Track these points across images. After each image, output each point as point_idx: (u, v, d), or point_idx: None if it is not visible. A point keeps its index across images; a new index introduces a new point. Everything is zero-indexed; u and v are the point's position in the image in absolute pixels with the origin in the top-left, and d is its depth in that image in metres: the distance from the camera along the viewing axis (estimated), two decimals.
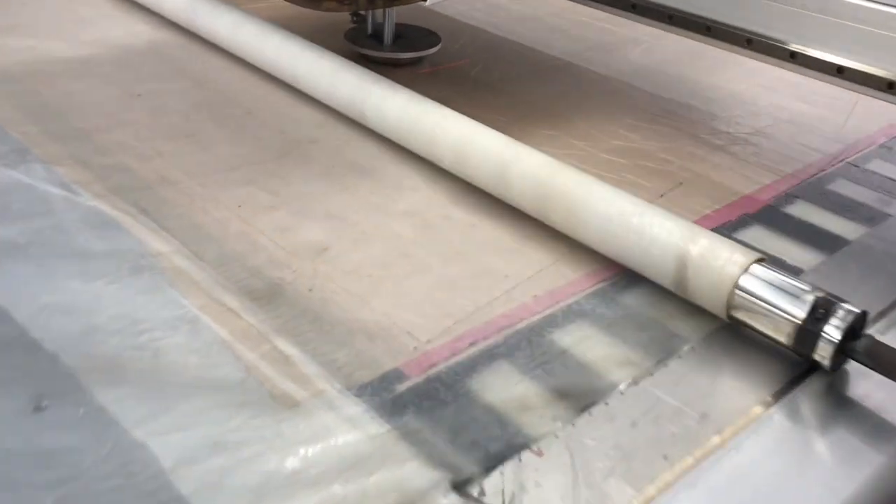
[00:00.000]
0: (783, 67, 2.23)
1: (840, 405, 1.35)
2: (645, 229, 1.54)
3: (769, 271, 1.43)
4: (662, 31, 2.49)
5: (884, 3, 2.03)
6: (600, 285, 1.59)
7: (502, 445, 1.20)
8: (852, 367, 1.39)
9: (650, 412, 1.29)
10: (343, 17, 2.63)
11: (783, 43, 2.21)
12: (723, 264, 1.44)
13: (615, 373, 1.37)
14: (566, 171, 1.72)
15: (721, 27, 2.33)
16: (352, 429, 1.21)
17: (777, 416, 1.31)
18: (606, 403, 1.30)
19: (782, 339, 1.38)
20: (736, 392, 1.35)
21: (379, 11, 2.53)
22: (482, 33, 2.93)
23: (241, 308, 1.45)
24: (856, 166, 2.15)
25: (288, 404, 1.25)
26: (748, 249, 1.47)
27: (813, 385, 1.37)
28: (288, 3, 2.21)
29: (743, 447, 1.24)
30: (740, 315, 1.43)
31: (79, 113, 2.09)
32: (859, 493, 1.19)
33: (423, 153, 1.95)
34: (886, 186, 2.06)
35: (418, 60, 2.59)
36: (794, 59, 2.20)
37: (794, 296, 1.38)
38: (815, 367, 1.39)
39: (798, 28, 2.18)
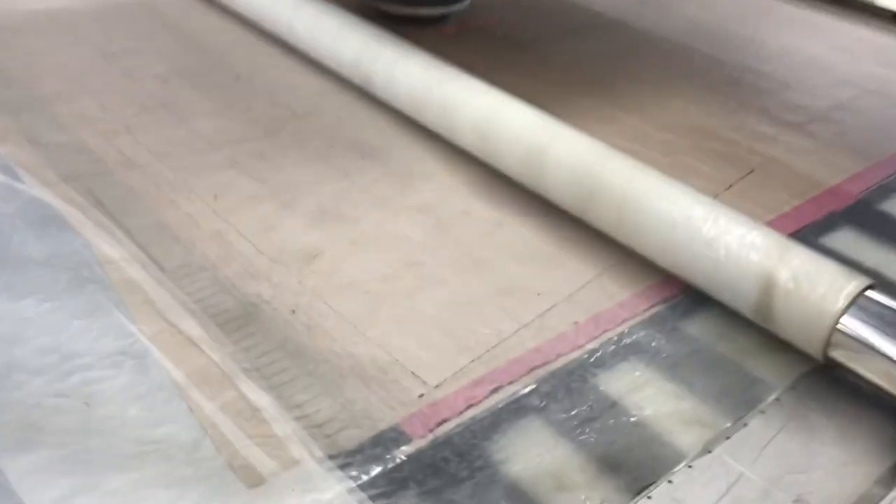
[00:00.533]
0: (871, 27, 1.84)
1: None
2: (720, 240, 1.20)
3: (881, 302, 1.10)
4: None
5: None
6: (657, 308, 1.27)
7: None
8: None
9: (728, 495, 0.98)
10: None
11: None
12: (823, 292, 1.11)
13: (680, 435, 1.05)
14: (616, 158, 1.38)
15: None
16: None
17: None
18: (670, 482, 0.99)
19: None
20: (839, 465, 1.03)
21: None
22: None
23: (204, 337, 1.15)
24: None
25: (251, 481, 0.95)
26: (854, 272, 1.14)
27: None
28: None
29: None
30: (841, 356, 1.11)
31: (37, 78, 1.78)
32: None
33: (440, 131, 1.61)
34: None
35: (443, 18, 2.23)
36: None
37: None
38: None
39: None
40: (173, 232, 1.35)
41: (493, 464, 0.99)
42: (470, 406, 1.08)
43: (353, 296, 1.25)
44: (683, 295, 1.29)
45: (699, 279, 1.25)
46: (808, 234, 1.45)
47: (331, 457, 0.99)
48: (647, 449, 1.03)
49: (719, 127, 1.80)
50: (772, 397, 1.12)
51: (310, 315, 1.21)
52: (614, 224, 1.34)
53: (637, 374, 1.15)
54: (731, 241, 1.20)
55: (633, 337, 1.21)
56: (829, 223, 1.50)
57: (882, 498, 0.99)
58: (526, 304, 1.26)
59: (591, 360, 1.16)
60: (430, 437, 1.03)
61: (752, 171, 1.64)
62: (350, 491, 0.95)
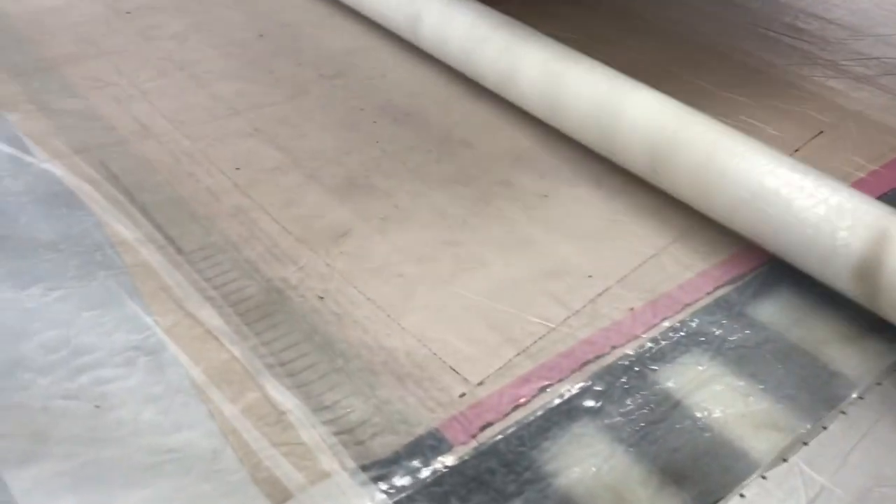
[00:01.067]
0: None
1: None
2: (815, 207, 1.07)
3: None
4: None
5: None
6: (722, 291, 1.15)
7: None
8: None
9: None
10: None
11: None
12: None
13: (752, 441, 0.94)
14: (697, 117, 1.25)
15: None
16: None
17: None
18: (742, 496, 0.88)
19: None
20: None
21: None
22: None
23: (225, 328, 1.05)
24: None
25: (276, 497, 0.86)
26: None
27: None
28: None
29: None
30: None
31: (49, 38, 1.67)
32: None
33: (494, 83, 1.48)
34: None
35: None
36: None
37: None
38: None
39: None
40: (191, 209, 1.25)
41: (543, 476, 0.89)
42: (516, 407, 0.97)
43: (385, 279, 1.15)
44: (751, 275, 1.17)
45: (790, 249, 1.12)
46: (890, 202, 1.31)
47: (363, 468, 0.89)
48: (716, 457, 0.92)
49: (782, 81, 1.64)
50: (854, 395, 1.00)
51: (339, 302, 1.10)
52: (693, 188, 1.21)
53: (701, 368, 1.03)
54: (827, 207, 1.06)
55: (696, 324, 1.09)
56: None
57: None
58: (576, 288, 1.14)
59: (650, 352, 1.05)
60: (473, 443, 0.93)
61: (821, 132, 1.49)
62: None
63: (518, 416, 0.96)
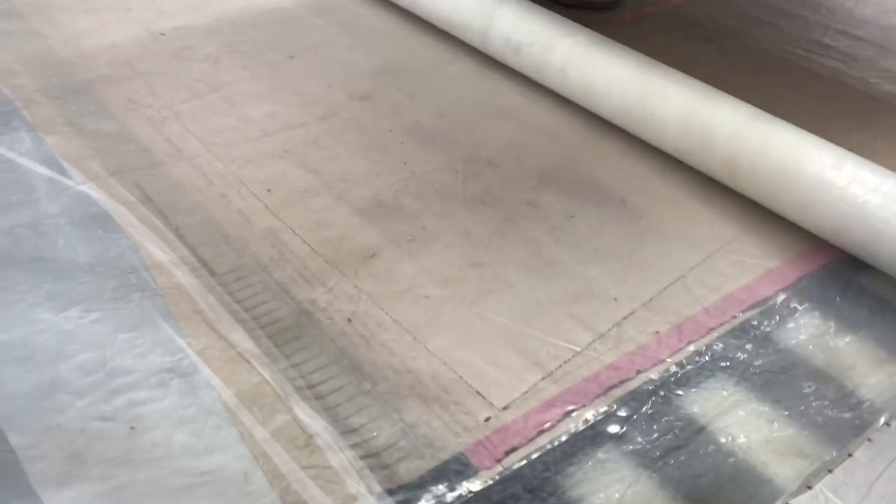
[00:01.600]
0: None
1: None
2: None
3: None
4: None
5: None
6: (747, 314, 1.15)
7: None
8: None
9: None
10: None
11: None
12: None
13: (776, 467, 0.95)
14: (774, 121, 1.31)
15: None
16: None
17: None
18: None
19: None
20: None
21: None
22: None
23: (255, 351, 1.07)
24: None
25: None
26: None
27: None
28: None
29: None
30: None
31: (85, 60, 1.71)
32: None
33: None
34: None
35: (617, 3, 2.05)
36: None
37: None
38: None
39: None
40: (224, 231, 1.27)
41: (567, 501, 0.90)
42: (541, 432, 0.98)
43: (412, 301, 1.17)
44: (777, 299, 1.17)
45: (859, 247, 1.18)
46: None
47: (390, 492, 0.91)
48: (740, 484, 0.93)
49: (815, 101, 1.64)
50: (881, 421, 1.00)
51: (367, 324, 1.12)
52: (756, 187, 1.28)
53: (726, 393, 1.04)
54: None
55: (721, 348, 1.10)
56: None
57: None
58: (601, 311, 1.15)
59: (675, 377, 1.06)
60: (498, 468, 0.94)
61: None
62: None
63: (543, 441, 0.97)
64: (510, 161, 1.44)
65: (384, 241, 1.27)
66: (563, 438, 0.97)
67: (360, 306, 1.15)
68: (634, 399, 1.02)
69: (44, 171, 1.38)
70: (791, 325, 1.13)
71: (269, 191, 1.36)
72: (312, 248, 1.25)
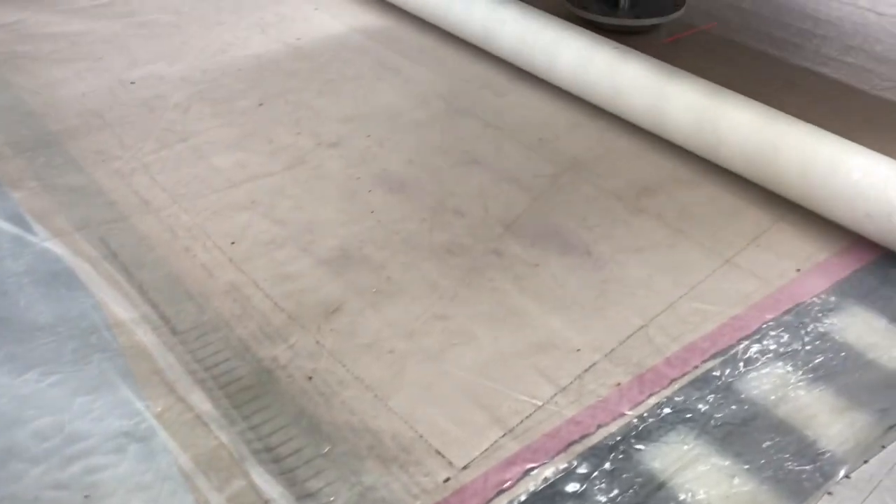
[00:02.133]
0: None
1: None
2: None
3: None
4: None
5: None
6: (709, 364, 1.15)
7: None
8: None
9: None
10: None
11: None
12: None
13: None
14: (796, 124, 1.41)
15: None
16: None
17: None
18: None
19: None
20: None
21: None
22: None
23: (214, 414, 1.07)
24: None
25: None
26: None
27: None
28: None
29: None
30: None
31: (56, 110, 1.71)
32: None
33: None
34: None
35: (655, 27, 2.07)
36: None
37: None
38: None
39: None
40: (187, 286, 1.27)
41: None
42: (500, 492, 0.98)
43: (375, 356, 1.16)
44: (738, 348, 1.17)
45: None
46: None
47: None
48: None
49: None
50: (840, 474, 1.00)
51: (328, 381, 1.12)
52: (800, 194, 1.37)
53: (686, 447, 1.03)
54: None
55: (682, 400, 1.10)
56: None
57: None
58: (563, 363, 1.15)
59: (635, 431, 1.05)
60: None
61: None
62: None
63: (502, 501, 0.97)
64: (477, 209, 1.45)
65: (348, 294, 1.27)
66: (523, 498, 0.97)
67: (321, 363, 1.15)
68: (594, 455, 1.02)
69: (8, 227, 1.38)
70: (753, 374, 1.13)
71: (233, 243, 1.36)
72: (275, 303, 1.25)
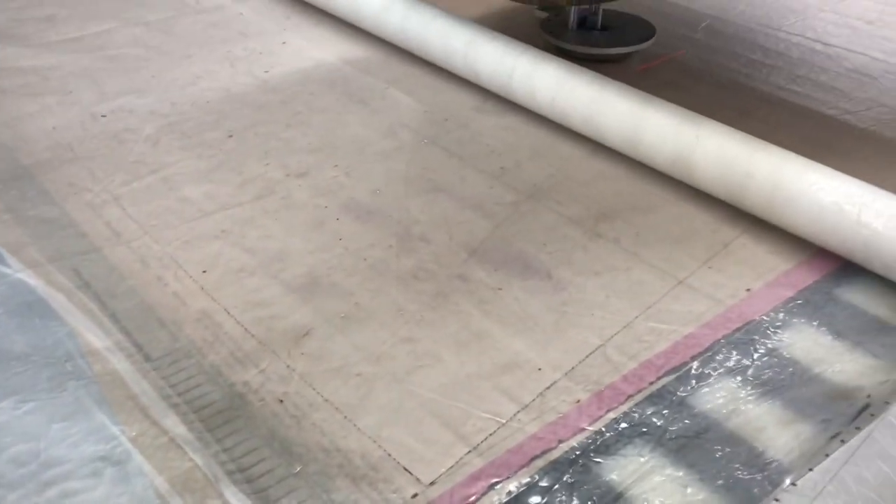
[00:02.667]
0: None
1: None
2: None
3: None
4: None
5: None
6: (664, 380, 1.21)
7: None
8: None
9: None
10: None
11: None
12: None
13: None
14: (767, 147, 1.50)
15: None
16: None
17: None
18: None
19: None
20: None
21: None
22: (718, 21, 2.41)
23: (188, 437, 1.10)
24: None
25: None
26: None
27: None
28: None
29: None
30: None
31: (27, 143, 1.74)
32: None
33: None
34: None
35: (628, 56, 2.15)
36: None
37: None
38: None
39: None
40: (159, 314, 1.31)
41: None
42: None
43: (344, 379, 1.20)
44: (691, 364, 1.23)
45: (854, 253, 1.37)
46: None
47: None
48: None
49: None
50: (787, 481, 1.05)
51: (298, 404, 1.16)
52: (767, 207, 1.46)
53: (643, 459, 1.08)
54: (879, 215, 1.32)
55: (639, 415, 1.15)
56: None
57: None
58: (525, 382, 1.20)
59: (594, 445, 1.10)
60: None
61: None
62: None
63: None
64: (442, 236, 1.50)
65: (317, 319, 1.31)
66: None
67: (291, 386, 1.19)
68: (555, 469, 1.07)
69: None
70: (706, 389, 1.19)
71: (204, 272, 1.40)
72: (246, 329, 1.28)
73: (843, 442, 1.11)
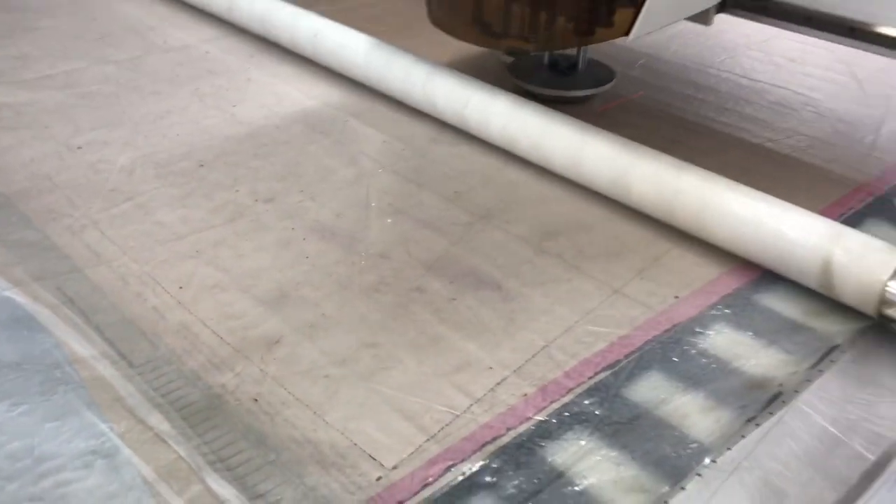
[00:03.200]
0: None
1: None
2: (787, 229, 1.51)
3: None
4: None
5: None
6: (601, 376, 1.35)
7: None
8: None
9: None
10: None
11: None
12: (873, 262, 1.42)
13: (622, 502, 1.12)
14: (694, 170, 1.66)
15: None
16: None
17: None
18: None
19: None
20: None
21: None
22: (654, 59, 2.60)
23: (171, 432, 1.21)
24: None
25: None
26: None
27: None
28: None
29: None
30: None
31: (5, 174, 1.84)
32: None
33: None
34: None
35: (589, 97, 2.29)
36: None
37: None
38: None
39: None
40: (140, 327, 1.41)
41: None
42: (425, 486, 1.14)
43: (313, 381, 1.32)
44: (625, 361, 1.37)
45: (771, 262, 1.55)
46: None
47: None
48: None
49: None
50: (708, 460, 1.19)
51: (271, 403, 1.27)
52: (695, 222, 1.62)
53: (582, 443, 1.22)
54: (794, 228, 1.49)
55: (579, 406, 1.29)
56: None
57: None
58: (478, 379, 1.33)
59: (539, 432, 1.23)
60: None
61: None
62: None
63: (427, 493, 1.13)
64: (401, 254, 1.63)
65: (287, 329, 1.43)
66: (444, 490, 1.13)
67: (265, 387, 1.30)
68: (505, 453, 1.20)
69: None
70: (638, 383, 1.33)
71: (181, 288, 1.51)
72: (221, 338, 1.40)
73: (757, 425, 1.25)
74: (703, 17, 2.01)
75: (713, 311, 1.50)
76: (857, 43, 1.84)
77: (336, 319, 1.45)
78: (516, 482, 1.15)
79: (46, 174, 1.86)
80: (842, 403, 1.30)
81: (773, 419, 1.27)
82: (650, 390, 1.32)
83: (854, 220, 1.73)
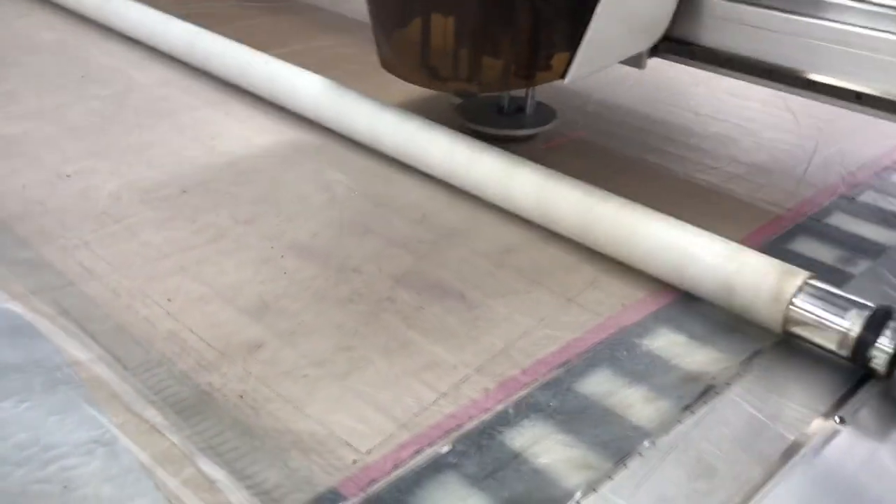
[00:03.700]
0: None
1: None
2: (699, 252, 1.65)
3: (821, 287, 1.53)
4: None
5: None
6: (555, 373, 1.49)
7: None
8: None
9: None
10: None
11: None
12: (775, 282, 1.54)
13: (571, 478, 1.27)
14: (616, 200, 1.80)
15: None
16: None
17: None
18: None
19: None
20: (701, 496, 1.25)
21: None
22: (594, 102, 2.76)
23: (165, 424, 1.33)
24: None
25: None
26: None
27: None
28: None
29: None
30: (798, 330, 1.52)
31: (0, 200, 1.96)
32: None
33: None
34: None
35: (533, 136, 2.43)
36: None
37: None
38: None
39: None
40: (132, 334, 1.54)
41: None
42: (396, 467, 1.27)
43: (293, 380, 1.45)
44: (578, 360, 1.52)
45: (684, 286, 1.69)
46: None
47: None
48: (544, 491, 1.24)
49: None
50: (647, 442, 1.34)
51: (256, 399, 1.40)
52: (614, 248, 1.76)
53: (536, 429, 1.36)
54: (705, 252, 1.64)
55: (535, 398, 1.43)
56: None
57: None
58: (443, 377, 1.47)
59: (499, 420, 1.37)
60: (362, 495, 1.22)
61: None
62: None
63: (398, 473, 1.26)
64: (372, 268, 1.77)
65: (269, 335, 1.56)
66: (413, 470, 1.27)
67: (249, 385, 1.43)
68: (467, 438, 1.33)
69: None
70: (588, 378, 1.48)
71: (169, 300, 1.64)
72: (208, 343, 1.52)
73: (692, 413, 1.40)
74: (636, 61, 2.17)
75: (655, 317, 1.65)
76: (775, 85, 2.02)
77: (314, 327, 1.59)
78: (477, 462, 1.28)
79: (39, 200, 1.98)
80: (766, 394, 1.45)
81: (707, 407, 1.42)
82: (599, 384, 1.47)
83: (778, 243, 1.91)
